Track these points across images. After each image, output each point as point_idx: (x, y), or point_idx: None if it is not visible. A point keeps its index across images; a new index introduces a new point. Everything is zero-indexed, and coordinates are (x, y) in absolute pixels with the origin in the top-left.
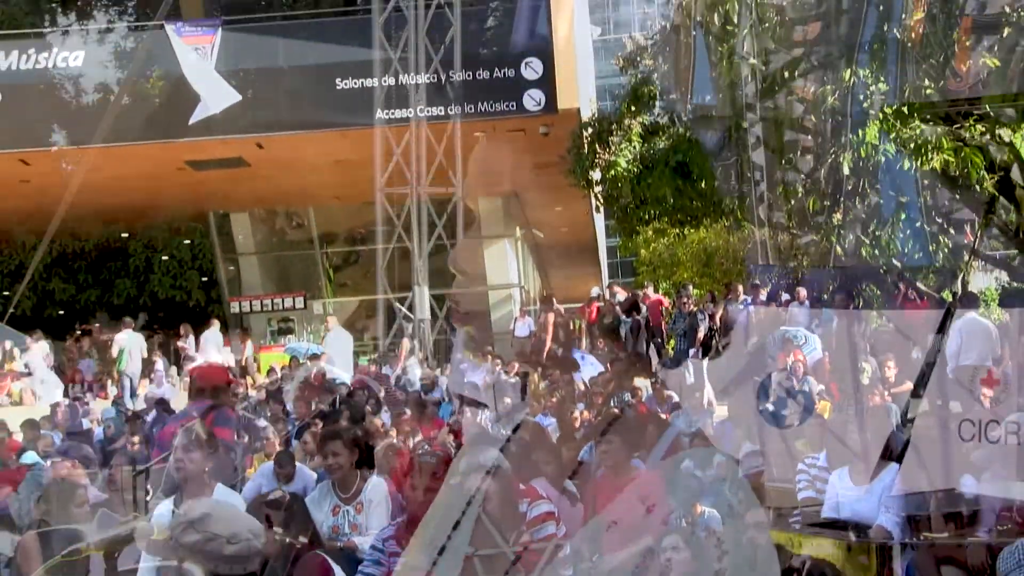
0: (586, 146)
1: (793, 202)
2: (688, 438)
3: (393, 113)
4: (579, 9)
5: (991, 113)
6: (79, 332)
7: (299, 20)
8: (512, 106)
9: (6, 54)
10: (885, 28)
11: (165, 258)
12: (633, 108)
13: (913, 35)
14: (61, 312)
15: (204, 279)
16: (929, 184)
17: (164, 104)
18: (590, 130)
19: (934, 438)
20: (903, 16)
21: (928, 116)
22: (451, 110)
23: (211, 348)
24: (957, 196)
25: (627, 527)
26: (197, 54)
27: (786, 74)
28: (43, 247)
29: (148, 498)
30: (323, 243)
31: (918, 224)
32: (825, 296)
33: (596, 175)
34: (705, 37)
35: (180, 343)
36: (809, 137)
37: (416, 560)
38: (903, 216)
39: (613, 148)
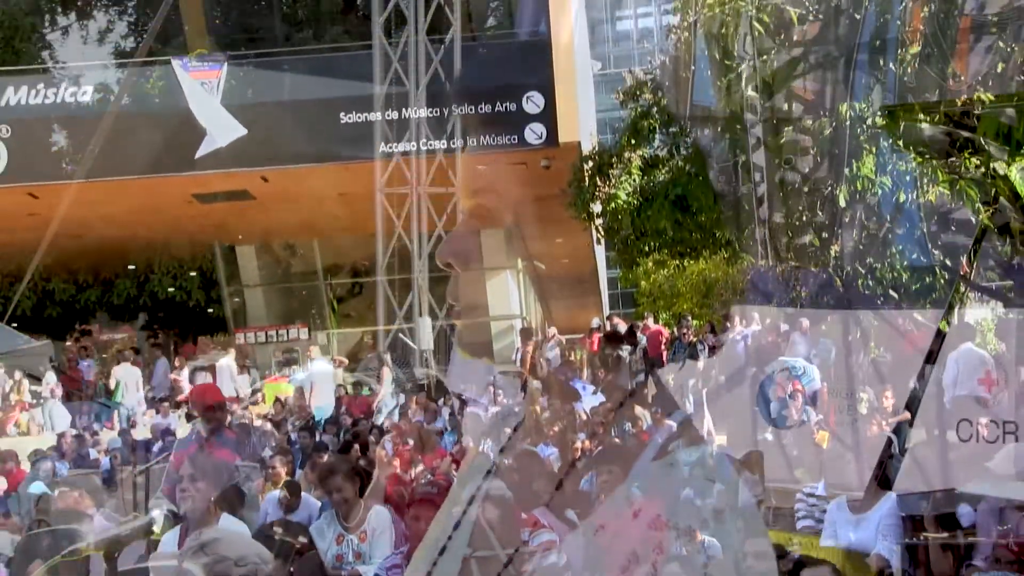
0: (587, 179)
1: (792, 234)
2: (676, 439)
3: (395, 146)
4: (580, 44)
5: (987, 147)
6: (79, 332)
7: (303, 55)
8: (514, 139)
9: (15, 89)
10: (885, 28)
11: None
12: (633, 141)
13: (911, 35)
14: (61, 312)
15: (209, 309)
16: (926, 216)
17: (171, 138)
18: (591, 163)
19: (933, 467)
20: (901, 13)
21: (927, 119)
22: (453, 143)
23: (225, 376)
24: (953, 228)
25: (614, 532)
26: (203, 89)
27: (785, 74)
28: (39, 254)
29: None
30: (327, 275)
31: (915, 255)
32: (824, 327)
33: (597, 207)
34: (708, 60)
35: (174, 375)
36: (809, 138)
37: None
38: (899, 247)
39: (613, 181)
